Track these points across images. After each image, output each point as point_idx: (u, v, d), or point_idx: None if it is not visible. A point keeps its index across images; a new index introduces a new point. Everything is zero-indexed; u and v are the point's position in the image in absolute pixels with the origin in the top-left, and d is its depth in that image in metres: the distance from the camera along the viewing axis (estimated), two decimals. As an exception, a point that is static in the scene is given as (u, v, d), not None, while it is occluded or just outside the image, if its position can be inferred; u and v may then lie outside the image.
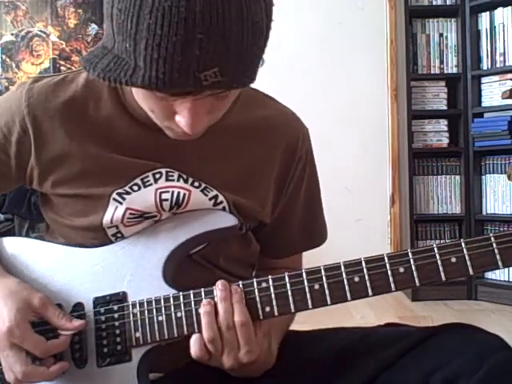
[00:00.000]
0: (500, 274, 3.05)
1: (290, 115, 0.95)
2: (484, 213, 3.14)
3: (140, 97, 0.72)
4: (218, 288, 0.76)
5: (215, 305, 0.75)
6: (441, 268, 0.72)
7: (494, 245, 0.71)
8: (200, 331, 0.75)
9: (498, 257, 0.71)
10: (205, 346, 0.74)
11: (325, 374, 0.80)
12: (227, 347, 0.74)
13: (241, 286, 0.76)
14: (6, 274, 0.83)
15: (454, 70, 3.20)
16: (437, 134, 3.22)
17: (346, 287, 0.73)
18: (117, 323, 0.79)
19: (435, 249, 0.72)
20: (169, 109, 0.70)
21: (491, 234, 0.71)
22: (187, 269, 0.84)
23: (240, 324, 0.74)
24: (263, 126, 0.90)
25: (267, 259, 0.98)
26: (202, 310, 0.75)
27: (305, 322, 0.93)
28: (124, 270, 0.82)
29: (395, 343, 0.79)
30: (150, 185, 0.84)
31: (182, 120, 0.69)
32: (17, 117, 0.83)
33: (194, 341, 0.75)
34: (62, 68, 3.41)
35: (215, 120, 0.74)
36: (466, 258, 0.71)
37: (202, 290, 0.77)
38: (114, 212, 0.83)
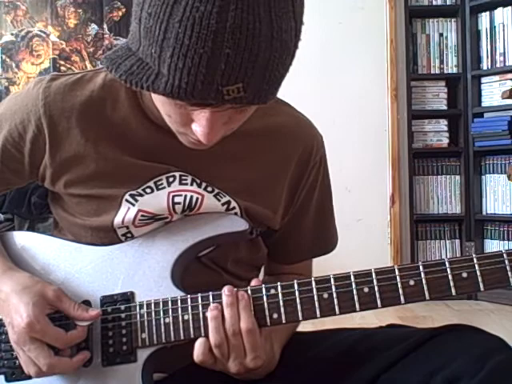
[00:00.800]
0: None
1: (305, 122, 0.94)
2: (484, 213, 3.14)
3: (158, 101, 0.71)
4: (225, 294, 0.75)
5: (222, 310, 0.75)
6: (451, 283, 0.71)
7: (507, 261, 0.70)
8: (207, 335, 0.75)
9: (510, 274, 0.70)
10: (209, 351, 0.74)
11: (327, 374, 0.80)
12: (233, 353, 0.74)
13: (249, 291, 0.76)
14: (17, 269, 0.83)
15: (454, 70, 3.21)
16: (437, 133, 3.22)
17: (355, 298, 0.73)
18: (123, 323, 0.79)
19: (446, 263, 0.72)
20: (186, 116, 0.69)
21: (503, 251, 0.71)
22: (195, 271, 0.84)
23: (246, 331, 0.73)
24: (279, 133, 0.89)
25: (277, 264, 0.97)
26: (209, 315, 0.75)
27: (306, 322, 0.93)
28: (133, 269, 0.82)
29: (397, 344, 0.79)
30: (163, 188, 0.83)
31: (198, 129, 0.68)
32: (33, 116, 0.82)
33: (198, 345, 0.75)
34: (62, 68, 3.41)
35: (231, 131, 0.74)
36: (478, 273, 0.70)
37: (210, 293, 0.77)
38: (125, 213, 0.83)
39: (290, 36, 0.63)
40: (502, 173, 3.08)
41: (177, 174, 0.84)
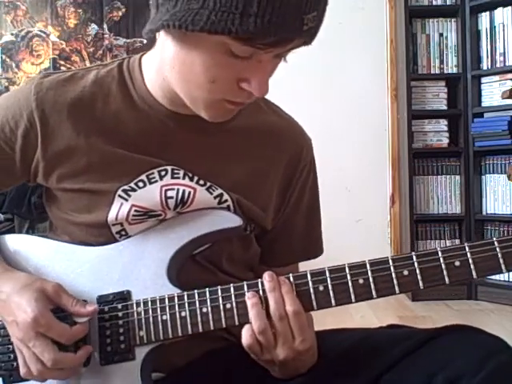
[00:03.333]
0: (500, 274, 3.05)
1: (296, 124, 0.96)
2: (484, 213, 3.14)
3: (200, 69, 0.72)
4: (266, 280, 0.76)
5: (261, 297, 0.75)
6: (445, 272, 0.73)
7: (498, 249, 0.71)
8: (204, 330, 0.76)
9: (501, 261, 0.71)
10: (255, 337, 0.74)
11: (327, 374, 0.79)
12: (281, 337, 0.74)
13: (291, 278, 0.76)
14: (13, 270, 0.83)
15: (454, 70, 3.20)
16: (437, 133, 3.22)
17: (351, 289, 0.74)
18: (121, 322, 0.79)
19: (439, 252, 0.73)
20: (234, 74, 0.72)
21: (494, 239, 0.72)
22: (190, 270, 0.84)
23: (293, 313, 0.74)
24: (271, 132, 0.91)
25: (263, 266, 0.97)
26: (249, 302, 0.75)
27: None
28: (128, 268, 0.82)
29: (398, 344, 0.79)
30: (156, 181, 0.84)
31: (254, 82, 0.72)
32: (25, 111, 0.83)
33: (245, 330, 0.75)
34: (62, 68, 3.41)
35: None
36: (470, 261, 0.72)
37: (207, 289, 0.77)
38: (119, 209, 0.83)
39: None
40: (501, 173, 3.07)
41: (169, 168, 0.84)
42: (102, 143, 0.83)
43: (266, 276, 0.76)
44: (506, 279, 3.02)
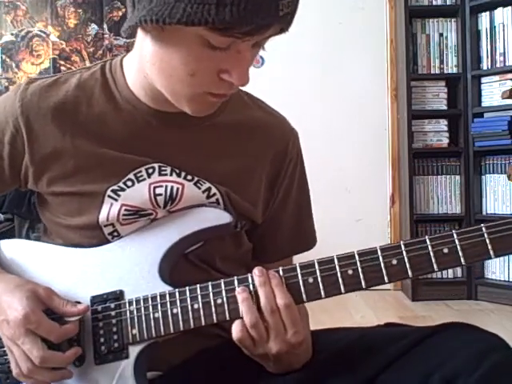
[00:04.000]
0: (500, 274, 3.05)
1: (280, 118, 0.97)
2: (484, 213, 3.14)
3: (180, 63, 0.73)
4: (256, 274, 0.76)
5: (252, 291, 0.76)
6: (433, 259, 0.72)
7: (486, 235, 0.71)
8: (196, 326, 0.77)
9: (489, 246, 0.71)
10: (247, 331, 0.75)
11: (323, 373, 0.79)
12: (273, 331, 0.74)
13: (280, 272, 0.77)
14: (6, 272, 0.84)
15: (454, 70, 3.20)
16: (437, 133, 3.22)
17: (340, 280, 0.74)
18: (114, 321, 0.80)
19: (427, 240, 0.73)
20: (214, 66, 0.72)
21: (482, 225, 0.72)
22: (183, 269, 0.85)
23: (284, 306, 0.74)
24: (256, 126, 0.92)
25: (256, 262, 0.98)
26: (239, 297, 0.76)
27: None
28: (121, 268, 0.83)
29: (394, 343, 0.79)
30: (144, 179, 0.84)
31: (234, 72, 0.72)
32: (10, 117, 0.85)
33: (236, 324, 0.75)
34: (62, 68, 3.41)
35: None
36: (458, 248, 0.72)
37: (198, 286, 0.78)
38: (109, 209, 0.84)
39: None
40: (501, 173, 3.07)
41: (156, 165, 0.85)
42: (88, 144, 0.84)
43: (256, 271, 0.77)
44: (506, 279, 3.02)
